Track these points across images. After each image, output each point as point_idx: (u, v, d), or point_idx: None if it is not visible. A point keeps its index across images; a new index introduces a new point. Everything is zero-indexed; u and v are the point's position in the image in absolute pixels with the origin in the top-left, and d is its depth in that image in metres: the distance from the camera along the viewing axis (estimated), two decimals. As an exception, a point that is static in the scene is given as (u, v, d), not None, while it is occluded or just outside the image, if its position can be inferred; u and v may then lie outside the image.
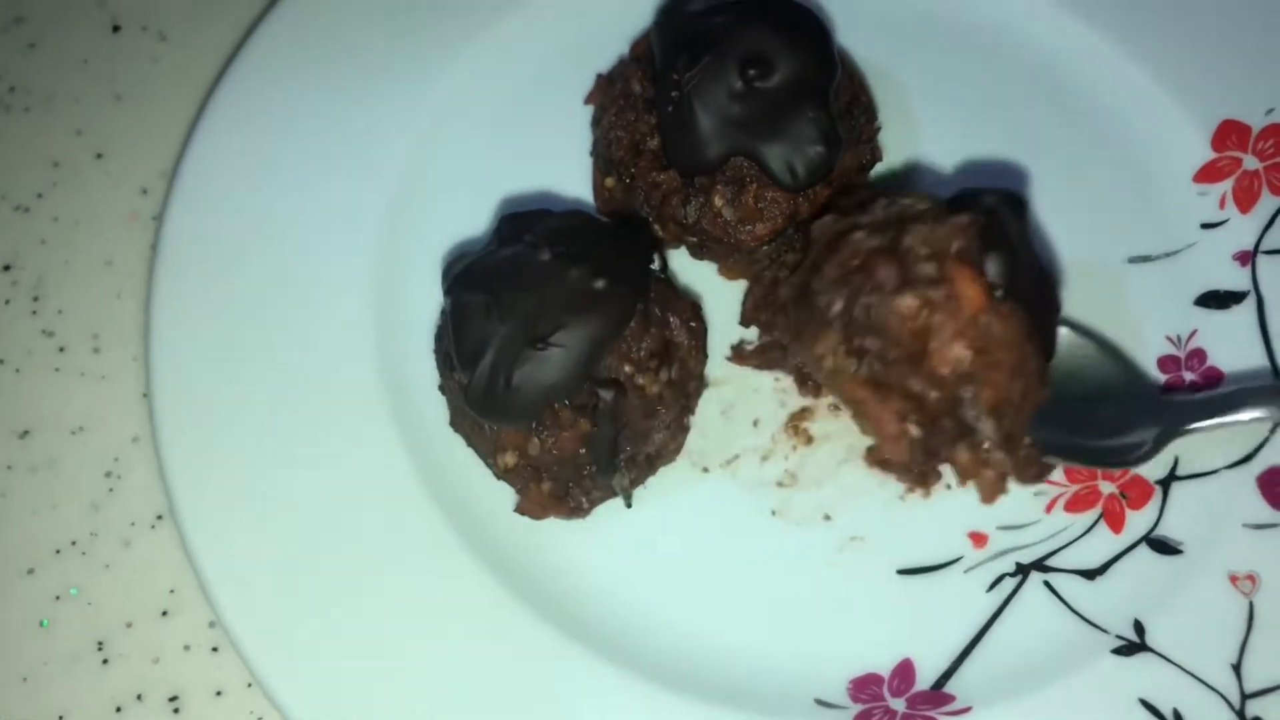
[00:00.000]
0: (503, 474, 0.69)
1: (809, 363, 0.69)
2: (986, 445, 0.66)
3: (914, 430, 0.66)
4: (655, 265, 0.71)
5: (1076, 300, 0.78)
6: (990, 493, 0.68)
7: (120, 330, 0.82)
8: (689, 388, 0.72)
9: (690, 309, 0.72)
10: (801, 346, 0.69)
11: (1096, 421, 0.74)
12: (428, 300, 0.75)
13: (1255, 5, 0.86)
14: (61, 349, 0.82)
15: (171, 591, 0.75)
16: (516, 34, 0.87)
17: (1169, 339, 0.79)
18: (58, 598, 0.75)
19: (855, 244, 0.66)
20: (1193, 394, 0.76)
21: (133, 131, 0.89)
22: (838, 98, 0.76)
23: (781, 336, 0.72)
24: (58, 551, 0.76)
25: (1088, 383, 0.75)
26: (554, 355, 0.64)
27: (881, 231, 0.66)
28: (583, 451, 0.67)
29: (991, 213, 0.66)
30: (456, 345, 0.66)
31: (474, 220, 0.82)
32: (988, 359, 0.64)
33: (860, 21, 0.87)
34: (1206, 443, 0.75)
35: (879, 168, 0.81)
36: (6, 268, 0.84)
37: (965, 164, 0.84)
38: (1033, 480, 0.69)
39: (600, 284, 0.65)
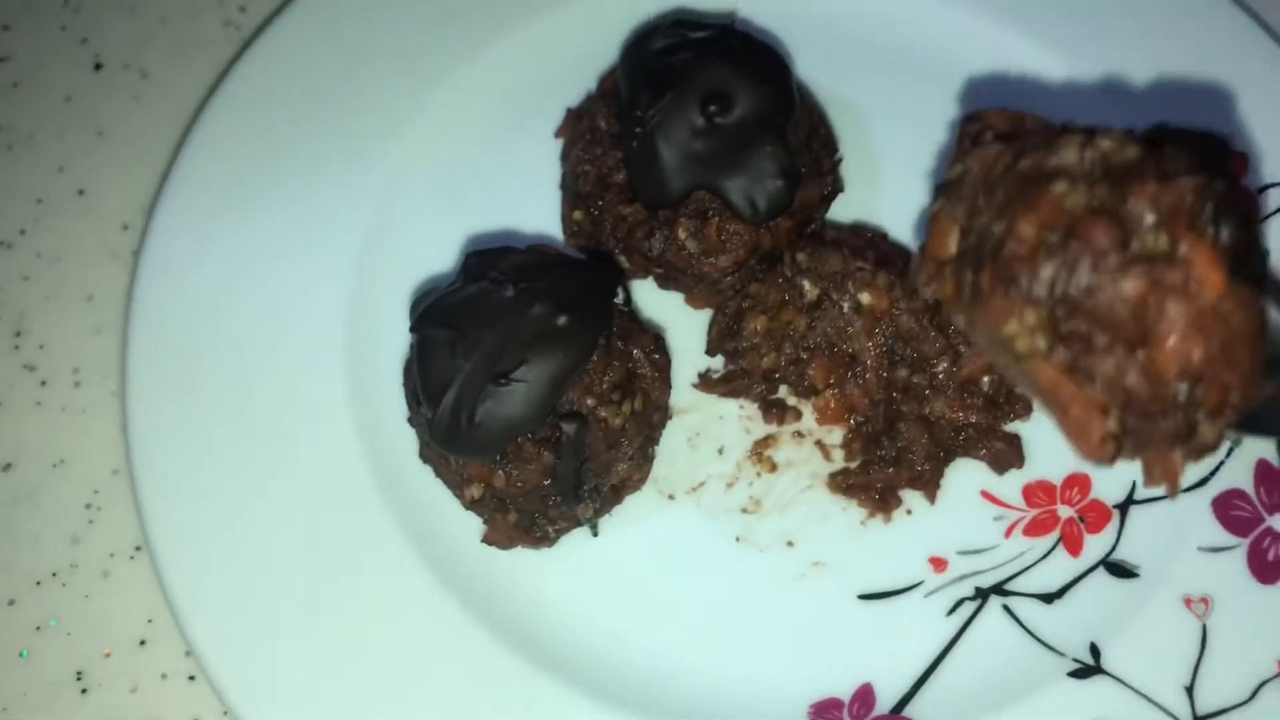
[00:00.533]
0: (469, 505, 0.71)
1: (985, 339, 0.58)
2: (1196, 444, 0.55)
3: (1113, 425, 0.55)
4: (619, 299, 0.73)
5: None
6: (1176, 485, 0.57)
7: (101, 365, 0.84)
8: (652, 418, 0.73)
9: (653, 341, 0.74)
10: (979, 319, 0.58)
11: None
12: (398, 334, 0.76)
13: (1209, 34, 0.87)
14: (43, 383, 0.83)
15: (149, 621, 0.77)
16: (489, 69, 0.88)
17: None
18: (38, 628, 0.76)
19: (1057, 199, 0.55)
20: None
21: (114, 168, 0.91)
22: (797, 132, 0.78)
23: (946, 303, 0.61)
24: (38, 583, 0.78)
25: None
26: (516, 390, 0.66)
27: (1090, 187, 0.55)
28: (547, 483, 0.69)
29: (1218, 168, 0.55)
30: (422, 381, 0.68)
31: (445, 254, 0.83)
32: (1224, 355, 0.53)
33: (820, 52, 0.89)
34: (1164, 466, 0.76)
35: (839, 199, 0.83)
36: (-11, 303, 0.86)
37: (924, 195, 0.86)
38: (1204, 459, 0.57)
39: (562, 320, 0.67)
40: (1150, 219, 0.53)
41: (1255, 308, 0.53)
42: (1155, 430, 0.55)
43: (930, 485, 0.76)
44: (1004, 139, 0.59)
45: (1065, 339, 0.54)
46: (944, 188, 0.61)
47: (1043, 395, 0.57)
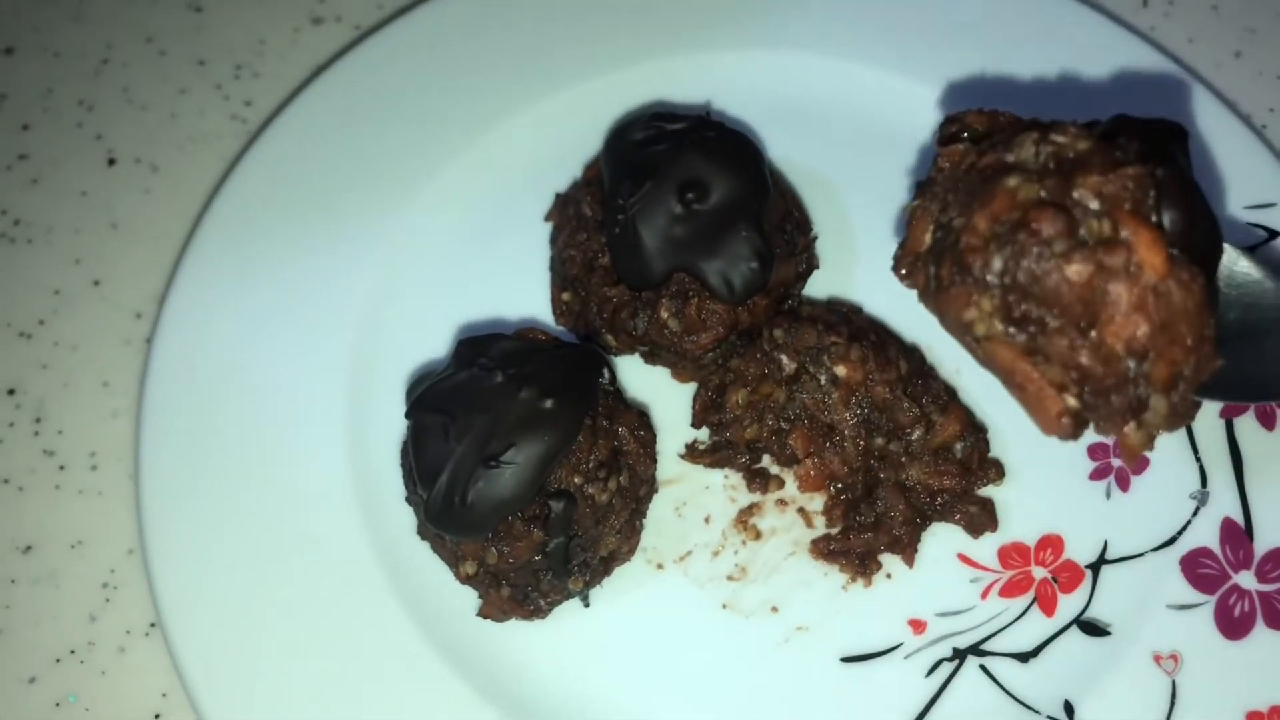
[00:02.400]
0: (464, 581, 0.74)
1: (950, 327, 0.62)
2: (1149, 417, 0.59)
3: (1072, 402, 0.59)
4: (604, 379, 0.77)
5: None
6: (1137, 454, 0.60)
7: (116, 448, 0.88)
8: (639, 492, 0.77)
9: (638, 419, 0.77)
10: (943, 307, 0.62)
11: (1262, 352, 0.71)
12: (395, 418, 0.80)
13: (1171, 107, 0.92)
14: (62, 467, 0.87)
15: (164, 696, 0.80)
16: (481, 160, 0.93)
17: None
18: (57, 704, 0.80)
19: (1010, 191, 0.59)
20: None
21: (127, 259, 0.95)
22: (771, 215, 0.82)
23: (920, 295, 0.64)
24: (57, 660, 0.81)
25: (1248, 309, 0.72)
26: (506, 472, 0.69)
27: (1040, 178, 0.58)
28: (538, 558, 0.72)
29: (1164, 154, 0.59)
30: (416, 463, 0.72)
31: (441, 337, 0.87)
32: (1167, 332, 0.57)
33: (793, 132, 0.94)
34: (1134, 525, 0.80)
35: (816, 275, 0.87)
36: (10, 391, 0.90)
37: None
38: (1180, 427, 0.61)
39: (549, 403, 0.71)
40: (1094, 206, 0.56)
41: (1198, 286, 0.56)
42: (1111, 405, 0.58)
43: (908, 549, 0.79)
44: (980, 138, 0.62)
45: (1019, 322, 0.58)
46: (921, 186, 0.65)
47: (1003, 376, 0.61)
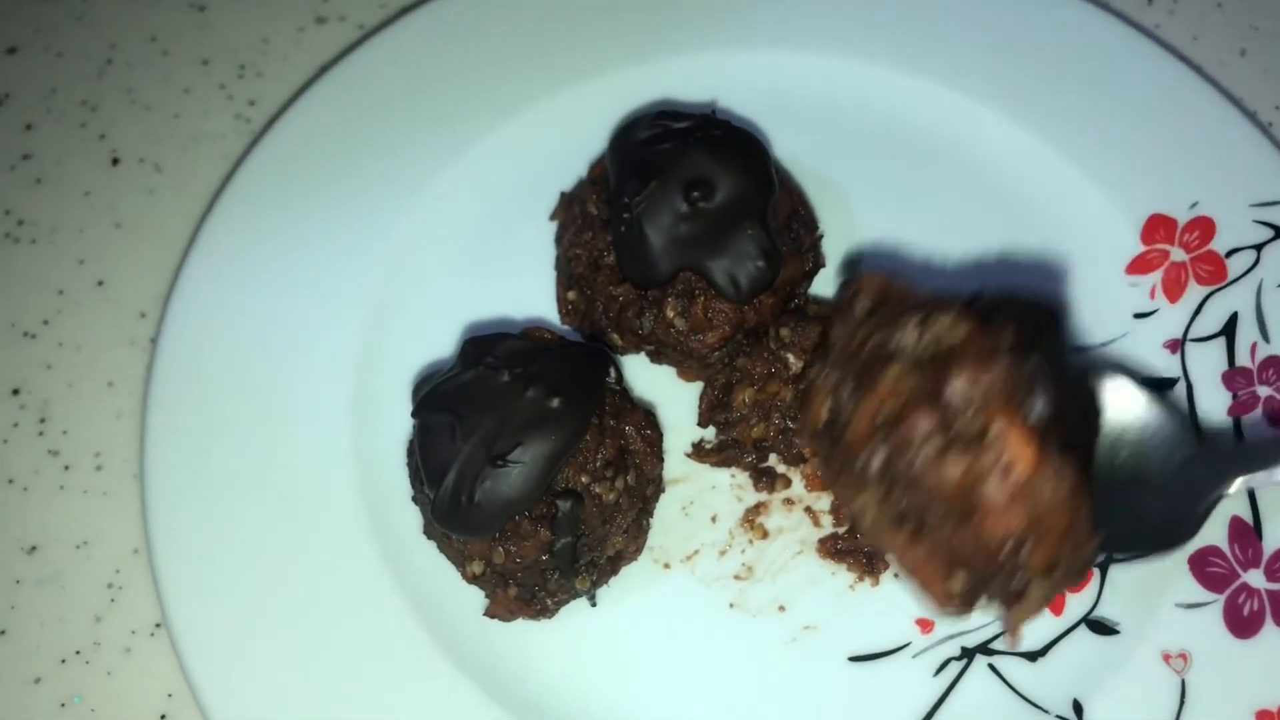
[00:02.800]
0: (471, 581, 0.74)
1: (846, 510, 0.67)
2: (1029, 598, 0.63)
3: (958, 586, 0.63)
4: (611, 378, 0.76)
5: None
6: (1019, 629, 0.65)
7: (121, 448, 0.88)
8: (646, 492, 0.77)
9: (644, 418, 0.77)
10: (840, 492, 0.66)
11: (1138, 506, 0.76)
12: (401, 417, 0.80)
13: (1177, 106, 0.91)
14: (66, 467, 0.87)
15: (169, 696, 0.80)
16: (486, 158, 0.93)
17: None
18: (63, 705, 0.80)
19: (891, 382, 0.62)
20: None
21: (131, 259, 0.95)
22: (777, 213, 0.81)
23: (823, 475, 0.68)
24: (63, 661, 0.81)
25: (1124, 466, 0.76)
26: (513, 472, 0.69)
27: (919, 369, 0.62)
28: (545, 558, 0.72)
29: (1034, 341, 0.61)
30: (423, 463, 0.71)
31: (447, 336, 0.87)
32: (1040, 525, 0.60)
33: (799, 131, 0.93)
34: (1142, 524, 0.79)
35: (823, 273, 0.87)
36: (15, 391, 0.90)
37: (904, 267, 0.89)
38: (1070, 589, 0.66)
39: (555, 402, 0.71)
40: (967, 402, 0.59)
41: (1069, 478, 0.59)
42: (997, 587, 0.62)
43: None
44: (874, 306, 0.66)
45: (904, 514, 0.62)
46: (827, 356, 0.67)
47: (895, 561, 0.65)
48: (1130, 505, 0.75)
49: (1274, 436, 0.78)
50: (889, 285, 0.68)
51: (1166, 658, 0.75)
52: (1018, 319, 0.61)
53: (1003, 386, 0.59)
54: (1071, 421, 0.61)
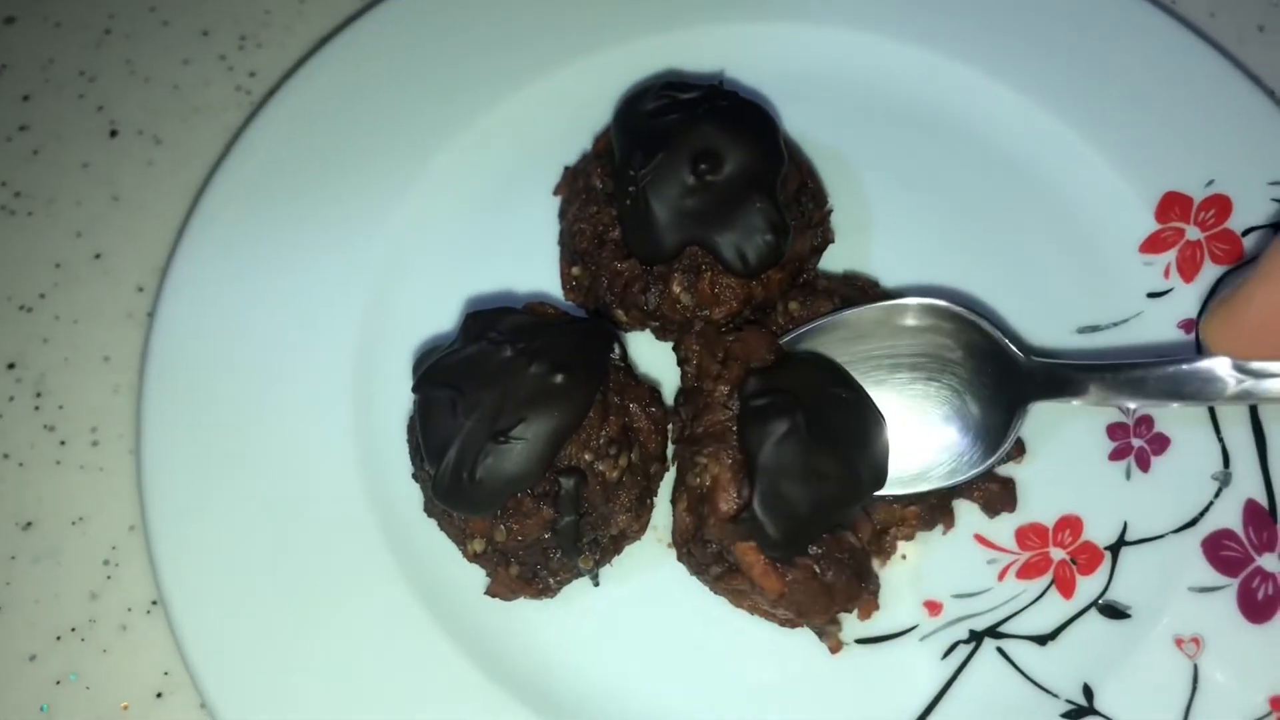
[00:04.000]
0: (473, 559, 0.73)
1: None
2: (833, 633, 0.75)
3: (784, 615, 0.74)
4: (615, 355, 0.75)
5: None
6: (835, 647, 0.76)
7: (118, 424, 0.86)
8: (650, 470, 0.75)
9: (649, 395, 0.76)
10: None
11: (967, 420, 0.77)
12: (402, 392, 0.79)
13: (1193, 82, 0.90)
14: (62, 442, 0.86)
15: (165, 674, 0.79)
16: (488, 131, 0.91)
17: (1118, 407, 0.82)
18: (58, 682, 0.79)
19: (681, 515, 0.73)
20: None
21: (129, 232, 0.94)
22: (786, 187, 0.80)
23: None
24: (58, 638, 0.80)
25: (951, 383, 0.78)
26: (515, 448, 0.68)
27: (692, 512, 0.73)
28: (547, 536, 0.71)
29: (770, 495, 0.68)
30: (424, 439, 0.70)
31: (448, 312, 0.86)
32: (805, 612, 0.71)
33: (808, 105, 0.92)
34: (1155, 506, 0.78)
35: (832, 249, 0.85)
36: (11, 366, 0.89)
37: (916, 243, 0.88)
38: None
39: (559, 378, 0.69)
40: (716, 544, 0.71)
41: (814, 578, 0.69)
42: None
43: (947, 516, 0.78)
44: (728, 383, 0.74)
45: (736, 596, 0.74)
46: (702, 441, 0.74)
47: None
48: (961, 421, 0.77)
49: (1088, 365, 0.76)
50: (708, 353, 0.76)
51: (1179, 642, 0.73)
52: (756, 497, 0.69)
53: (736, 531, 0.69)
54: (827, 493, 0.69)
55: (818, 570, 0.69)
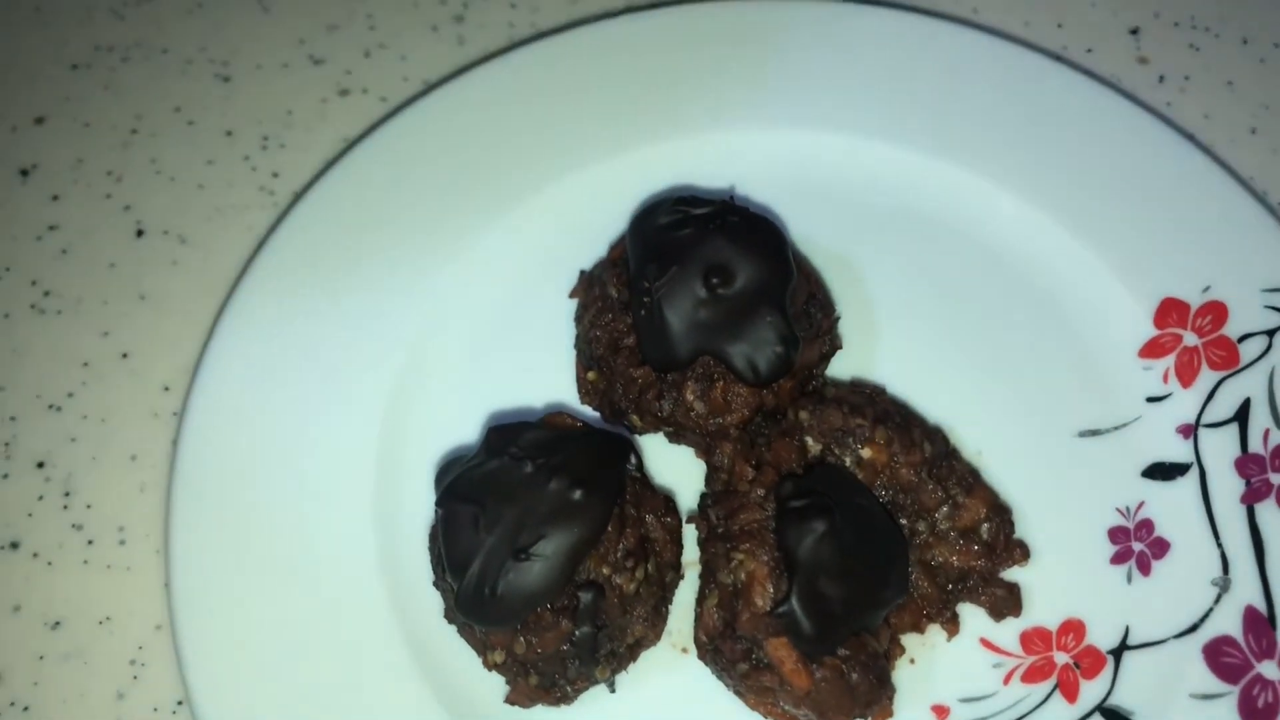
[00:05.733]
0: (491, 669, 0.75)
1: None
2: None
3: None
4: (631, 464, 0.77)
5: (1030, 476, 0.84)
6: None
7: (144, 523, 0.88)
8: (665, 579, 0.77)
9: (664, 504, 0.78)
10: None
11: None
12: (422, 496, 0.81)
13: (1189, 188, 0.93)
14: (90, 542, 0.88)
15: (191, 775, 0.81)
16: (504, 237, 0.94)
17: (1119, 510, 0.84)
18: (85, 784, 0.81)
19: (710, 613, 0.75)
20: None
21: (155, 331, 0.96)
22: (795, 299, 0.83)
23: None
24: (85, 738, 0.82)
25: None
26: (536, 565, 0.70)
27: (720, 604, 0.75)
28: (566, 648, 0.73)
29: (809, 588, 0.71)
30: (447, 553, 0.72)
31: (468, 413, 0.88)
32: (827, 709, 0.72)
33: (815, 213, 0.95)
34: (1156, 611, 0.80)
35: (839, 354, 0.88)
36: (40, 464, 0.91)
37: (919, 346, 0.90)
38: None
39: (578, 494, 0.72)
40: (747, 638, 0.72)
41: (840, 679, 0.71)
42: None
43: (951, 624, 0.80)
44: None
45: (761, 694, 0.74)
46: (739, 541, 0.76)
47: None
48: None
49: None
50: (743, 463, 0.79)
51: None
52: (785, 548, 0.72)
53: (769, 626, 0.71)
54: (854, 597, 0.72)
55: (844, 670, 0.71)
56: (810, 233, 0.94)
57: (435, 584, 0.78)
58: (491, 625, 0.72)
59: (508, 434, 0.76)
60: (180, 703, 0.83)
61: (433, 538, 0.77)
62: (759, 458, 0.79)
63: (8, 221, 1.02)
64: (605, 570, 0.73)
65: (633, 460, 0.77)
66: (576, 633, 0.72)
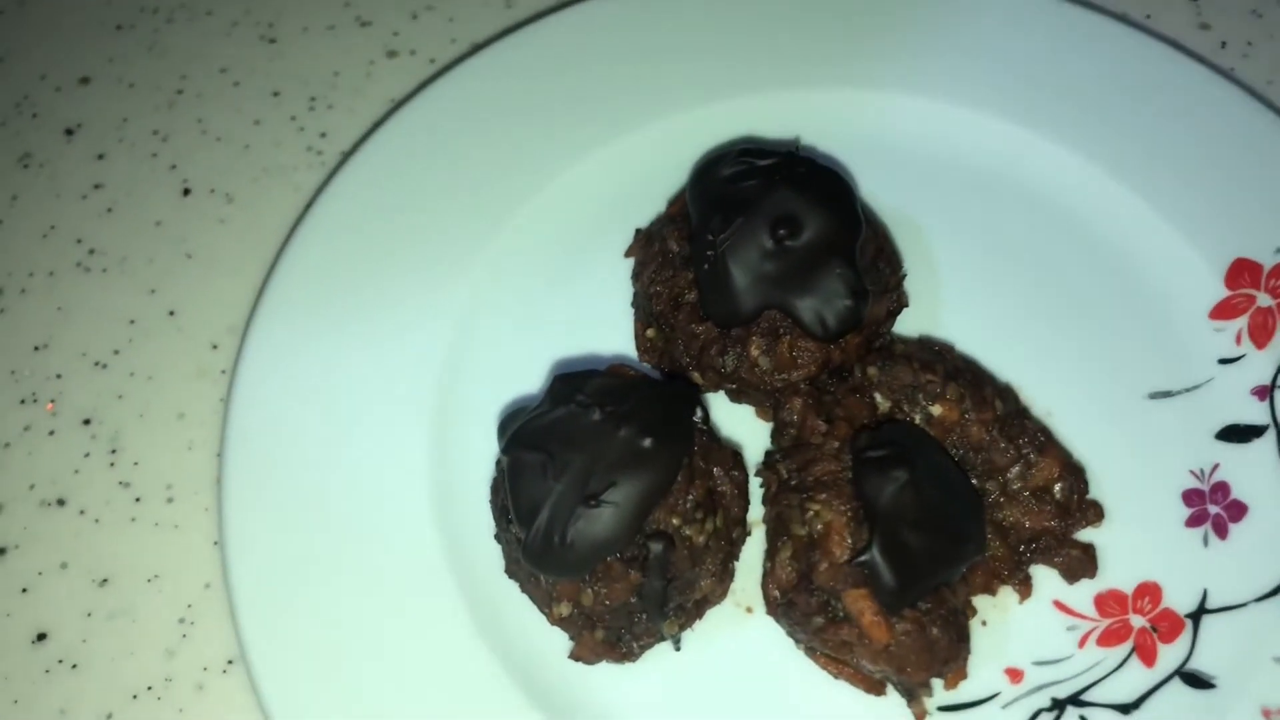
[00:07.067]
0: (557, 622, 0.73)
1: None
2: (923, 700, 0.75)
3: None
4: (698, 417, 0.75)
5: (1100, 437, 0.82)
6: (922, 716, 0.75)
7: (192, 481, 0.87)
8: (733, 534, 0.75)
9: (732, 459, 0.76)
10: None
11: None
12: (481, 453, 0.79)
13: (1262, 150, 0.91)
14: (138, 499, 0.86)
15: (242, 734, 0.79)
16: (561, 193, 0.93)
17: (1192, 473, 0.82)
18: (134, 742, 0.79)
19: (784, 565, 0.73)
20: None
21: (202, 289, 0.95)
22: (863, 252, 0.81)
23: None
24: (135, 696, 0.80)
25: None
26: (606, 512, 0.68)
27: (796, 559, 0.73)
28: (633, 600, 0.71)
29: (890, 528, 0.69)
30: (514, 502, 0.70)
31: (524, 371, 0.87)
32: (905, 669, 0.70)
33: (881, 171, 0.93)
34: (1235, 574, 0.78)
35: (905, 313, 0.86)
36: (86, 421, 0.90)
37: (986, 308, 0.88)
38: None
39: (648, 442, 0.70)
40: (827, 590, 0.70)
41: (920, 633, 0.69)
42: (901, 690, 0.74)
43: (1024, 585, 0.78)
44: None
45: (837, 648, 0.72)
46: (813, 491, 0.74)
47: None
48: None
49: None
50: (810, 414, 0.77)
51: (1266, 714, 0.73)
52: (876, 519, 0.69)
53: (851, 575, 0.69)
54: (931, 556, 0.70)
55: (925, 624, 0.69)
56: (875, 191, 0.92)
57: (497, 536, 0.76)
58: (560, 574, 0.70)
59: (574, 382, 0.74)
60: (230, 662, 0.81)
61: (495, 489, 0.75)
62: (829, 413, 0.77)
63: (53, 180, 1.00)
64: (675, 521, 0.71)
65: (699, 412, 0.75)
66: (645, 584, 0.70)
